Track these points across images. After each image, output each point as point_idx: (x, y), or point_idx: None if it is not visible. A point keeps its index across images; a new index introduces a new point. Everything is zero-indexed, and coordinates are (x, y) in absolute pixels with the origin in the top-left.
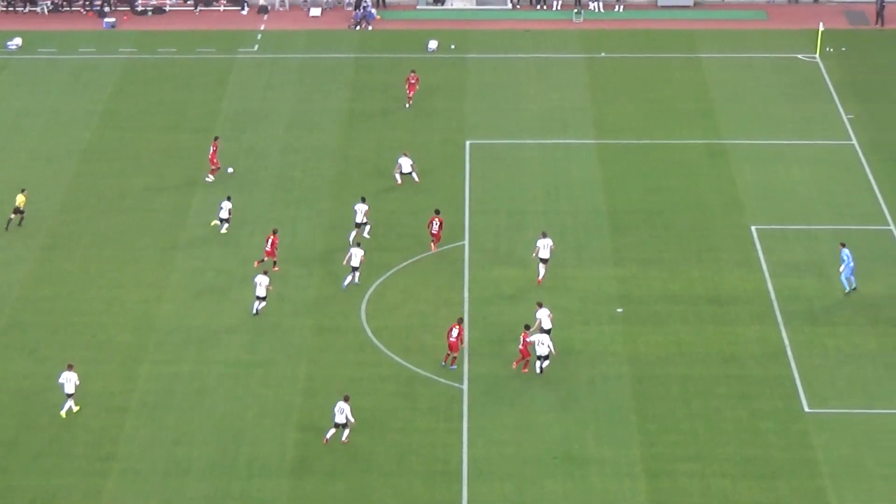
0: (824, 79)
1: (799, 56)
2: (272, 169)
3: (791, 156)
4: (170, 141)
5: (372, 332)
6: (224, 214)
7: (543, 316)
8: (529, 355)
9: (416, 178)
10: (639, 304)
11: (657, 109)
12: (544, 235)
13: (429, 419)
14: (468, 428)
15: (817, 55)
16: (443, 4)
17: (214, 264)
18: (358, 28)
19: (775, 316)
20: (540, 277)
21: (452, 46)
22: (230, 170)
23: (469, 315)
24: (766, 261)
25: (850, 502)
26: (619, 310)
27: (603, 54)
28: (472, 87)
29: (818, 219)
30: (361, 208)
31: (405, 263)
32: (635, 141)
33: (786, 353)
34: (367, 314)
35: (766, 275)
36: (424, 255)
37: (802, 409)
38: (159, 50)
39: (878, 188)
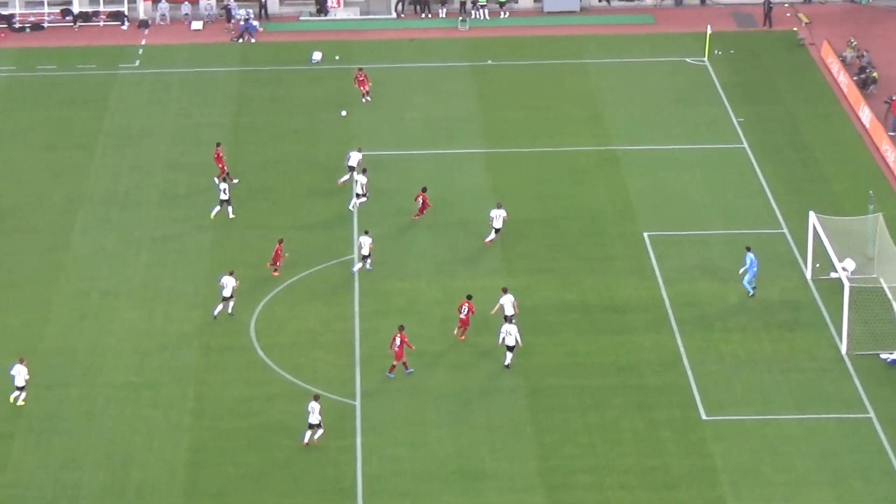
0: (713, 82)
1: (687, 59)
2: (157, 186)
3: (682, 161)
4: (51, 159)
5: (262, 349)
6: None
7: (507, 302)
8: (468, 324)
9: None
10: (532, 314)
11: (546, 117)
12: (499, 206)
13: (322, 437)
14: (362, 445)
15: (706, 58)
16: (326, 15)
17: (100, 285)
18: (240, 41)
19: (670, 323)
20: (488, 239)
21: (337, 57)
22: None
23: (360, 330)
24: (659, 267)
25: None
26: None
27: (490, 62)
28: (358, 98)
29: (710, 224)
30: (361, 179)
31: (294, 279)
32: (525, 149)
33: (681, 360)
34: (256, 332)
35: (660, 282)
36: (313, 270)
37: (700, 417)
38: (38, 67)
39: (770, 191)
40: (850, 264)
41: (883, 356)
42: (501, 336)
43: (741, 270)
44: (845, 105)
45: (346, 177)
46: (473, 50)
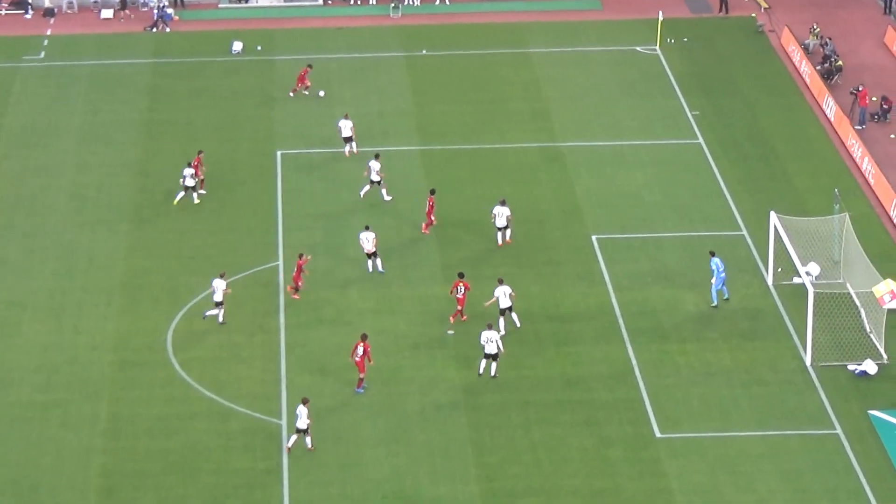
0: (666, 72)
1: (638, 48)
2: (64, 188)
3: (633, 158)
4: None
5: (179, 364)
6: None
7: (502, 294)
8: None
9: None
10: (472, 324)
11: (486, 111)
12: (502, 203)
13: (245, 458)
14: (288, 467)
15: (658, 47)
16: (247, 2)
17: (3, 296)
18: (154, 30)
19: (621, 333)
20: (500, 242)
21: (259, 48)
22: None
23: (286, 343)
24: (609, 273)
25: None
26: (450, 332)
27: (424, 52)
28: (282, 92)
29: (664, 226)
30: (374, 166)
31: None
32: (463, 146)
33: (633, 373)
34: (173, 345)
35: (610, 288)
36: (235, 277)
37: (653, 434)
38: None
39: (728, 190)
40: (814, 268)
41: (850, 367)
42: (482, 343)
43: (713, 281)
44: (808, 96)
45: (370, 181)
46: (407, 39)
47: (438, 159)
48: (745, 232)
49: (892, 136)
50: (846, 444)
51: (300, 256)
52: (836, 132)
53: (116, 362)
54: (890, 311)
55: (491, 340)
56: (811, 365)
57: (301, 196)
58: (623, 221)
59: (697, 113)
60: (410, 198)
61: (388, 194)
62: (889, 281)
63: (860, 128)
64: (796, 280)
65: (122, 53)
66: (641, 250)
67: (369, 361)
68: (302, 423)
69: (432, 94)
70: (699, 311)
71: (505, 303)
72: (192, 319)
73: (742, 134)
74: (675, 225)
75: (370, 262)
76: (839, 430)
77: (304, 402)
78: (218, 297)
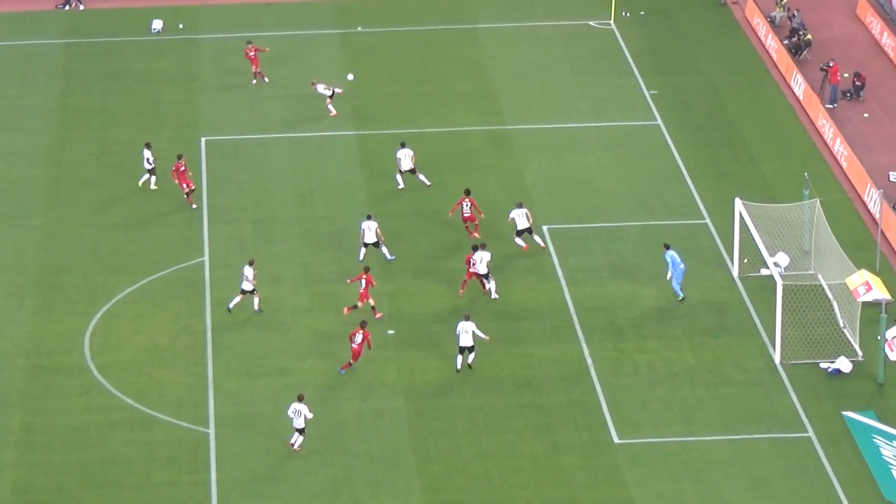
0: (621, 49)
1: (591, 23)
2: None
3: (586, 141)
4: None
5: (98, 370)
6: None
7: (480, 259)
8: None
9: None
10: (413, 323)
11: (428, 92)
12: (520, 206)
13: (170, 471)
14: (217, 479)
15: (612, 21)
16: None
17: None
18: (67, 8)
19: (575, 331)
20: (525, 245)
21: (181, 26)
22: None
23: (212, 345)
24: (561, 266)
25: None
26: (390, 332)
27: (360, 29)
28: (207, 74)
29: (621, 214)
30: (405, 153)
31: (134, 286)
32: (403, 130)
33: (589, 374)
34: (91, 350)
35: (563, 283)
36: (157, 275)
37: (611, 439)
38: None
39: (689, 175)
40: (783, 259)
41: (822, 365)
42: (457, 334)
43: (668, 276)
44: (775, 73)
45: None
46: (341, 15)
47: (376, 145)
48: (708, 220)
49: (866, 114)
50: (819, 447)
51: (366, 271)
52: (806, 111)
53: (29, 368)
54: (865, 304)
55: (466, 331)
56: (780, 363)
57: (227, 186)
58: (576, 210)
59: (655, 92)
60: (344, 187)
61: (427, 179)
62: (863, 272)
63: (831, 106)
64: (764, 272)
65: (31, 33)
66: (596, 241)
67: (369, 348)
68: (299, 422)
69: (368, 74)
70: (659, 306)
71: (482, 269)
72: (111, 320)
73: (704, 114)
74: (632, 213)
75: (363, 251)
76: (811, 433)
77: (300, 398)
78: (247, 286)
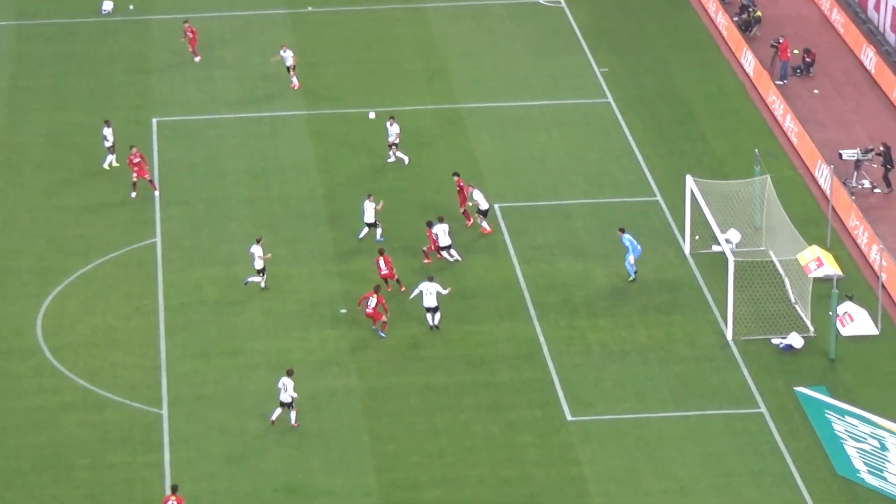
0: (571, 27)
1: (541, 1)
2: None
3: (537, 120)
4: None
5: (50, 352)
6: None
7: (441, 231)
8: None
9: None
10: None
11: (378, 72)
12: (474, 187)
13: (123, 452)
14: (171, 461)
15: None
16: None
17: None
18: None
19: (527, 309)
20: (484, 227)
21: (131, 7)
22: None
23: (165, 326)
24: (513, 245)
25: None
26: (343, 311)
27: (310, 8)
28: (158, 55)
29: (572, 193)
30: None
31: (86, 268)
32: (354, 110)
33: (542, 352)
34: (43, 331)
35: (515, 261)
36: (110, 256)
37: (564, 417)
38: None
39: (641, 153)
40: (734, 235)
41: (774, 341)
42: (417, 291)
43: (632, 260)
44: (725, 50)
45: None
46: None
47: (327, 125)
48: (659, 198)
49: (816, 91)
50: (771, 423)
51: (381, 252)
52: (756, 88)
53: None
54: (816, 279)
55: (430, 293)
56: (732, 339)
57: (179, 167)
58: (528, 188)
59: (606, 70)
60: (296, 169)
61: (404, 155)
62: (815, 247)
63: (781, 83)
64: (715, 248)
65: None
66: (548, 219)
67: (385, 312)
68: (286, 396)
69: (319, 54)
70: (611, 284)
71: (444, 240)
72: (64, 302)
73: (654, 92)
74: (584, 191)
75: (364, 231)
76: (763, 409)
77: (289, 373)
78: (258, 265)
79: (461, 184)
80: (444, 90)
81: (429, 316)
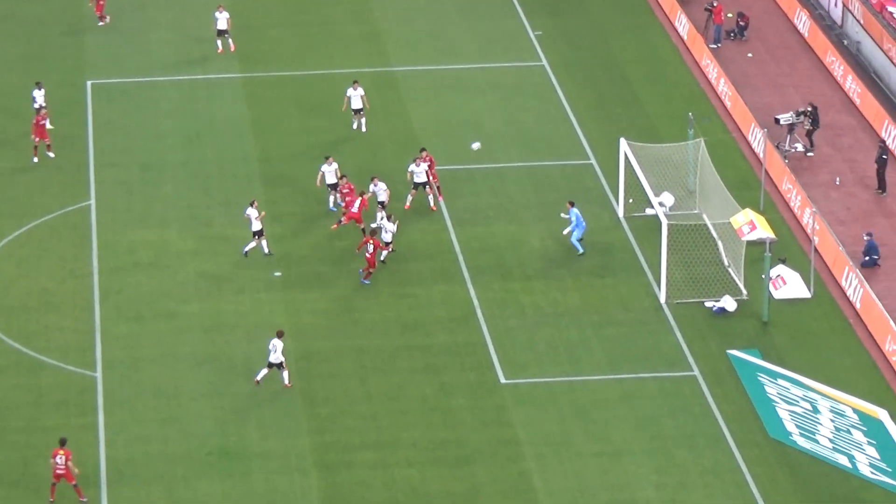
0: None
1: None
2: None
3: (472, 83)
4: None
5: None
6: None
7: (380, 190)
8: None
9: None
10: (300, 265)
11: (313, 35)
12: (418, 162)
13: (58, 415)
14: (105, 424)
15: None
16: None
17: None
18: None
19: (461, 272)
20: (407, 204)
21: None
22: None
23: (100, 289)
24: (448, 207)
25: (558, 486)
26: (277, 273)
27: None
28: (92, 18)
29: (507, 155)
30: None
31: (20, 231)
32: (289, 73)
33: (475, 315)
34: None
35: (449, 224)
36: (43, 219)
37: (498, 380)
38: None
39: (575, 116)
40: (668, 199)
41: (707, 304)
42: (379, 226)
43: (566, 231)
44: (659, 14)
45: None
46: None
47: (261, 87)
48: (593, 161)
49: (750, 54)
50: (704, 386)
51: (362, 194)
52: (690, 52)
53: None
54: (749, 243)
55: (388, 231)
56: (666, 303)
57: (114, 130)
58: (462, 151)
59: (540, 33)
60: (231, 131)
61: (364, 126)
62: (748, 211)
63: (715, 46)
64: (649, 211)
65: None
66: (483, 182)
67: (382, 262)
68: (275, 357)
69: (254, 16)
70: (545, 247)
71: (382, 196)
72: None
73: (589, 55)
74: (518, 154)
75: (332, 198)
76: (697, 372)
77: (279, 335)
78: (255, 227)
79: (430, 158)
80: (378, 53)
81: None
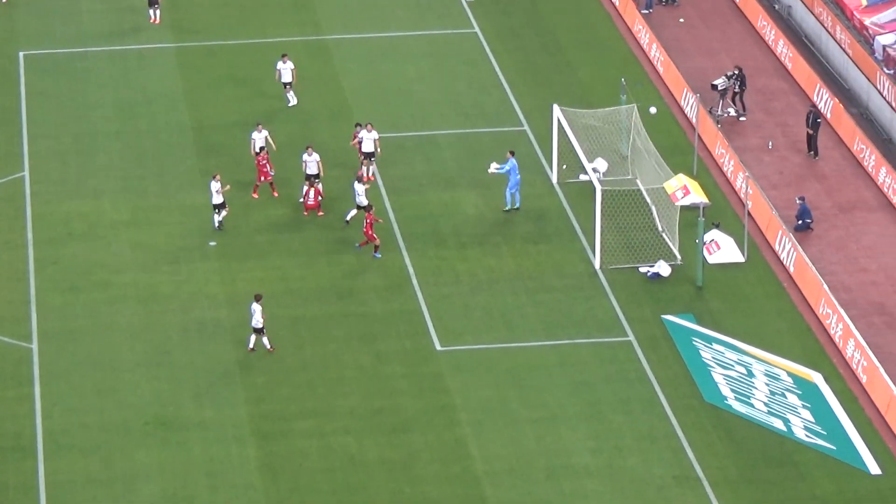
0: None
1: None
2: None
3: (404, 50)
4: None
5: None
6: None
7: (312, 161)
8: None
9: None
10: (235, 235)
11: (244, 3)
12: (369, 129)
13: None
14: (41, 395)
15: None
16: None
17: None
18: None
19: (396, 240)
20: (369, 175)
21: None
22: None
23: (34, 260)
24: (381, 175)
25: (495, 452)
26: (212, 243)
27: None
28: None
29: (440, 123)
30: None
31: None
32: (221, 42)
33: (411, 282)
34: None
35: (383, 191)
36: None
37: (434, 347)
38: None
39: (507, 83)
40: (601, 164)
41: (642, 270)
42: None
43: (492, 169)
44: None
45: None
46: None
47: (194, 57)
48: (526, 127)
49: (681, 19)
50: (639, 351)
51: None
52: (622, 18)
53: None
54: (683, 208)
55: (359, 193)
56: (600, 268)
57: (47, 101)
58: (395, 119)
59: (472, 0)
60: (165, 101)
61: (293, 98)
62: (681, 176)
63: (647, 12)
64: (583, 177)
65: None
66: (416, 150)
67: (378, 221)
68: (256, 321)
69: None
70: (480, 213)
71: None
72: None
73: (521, 22)
74: (451, 122)
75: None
76: (632, 337)
77: (257, 298)
78: (217, 199)
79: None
80: (310, 21)
81: (353, 212)
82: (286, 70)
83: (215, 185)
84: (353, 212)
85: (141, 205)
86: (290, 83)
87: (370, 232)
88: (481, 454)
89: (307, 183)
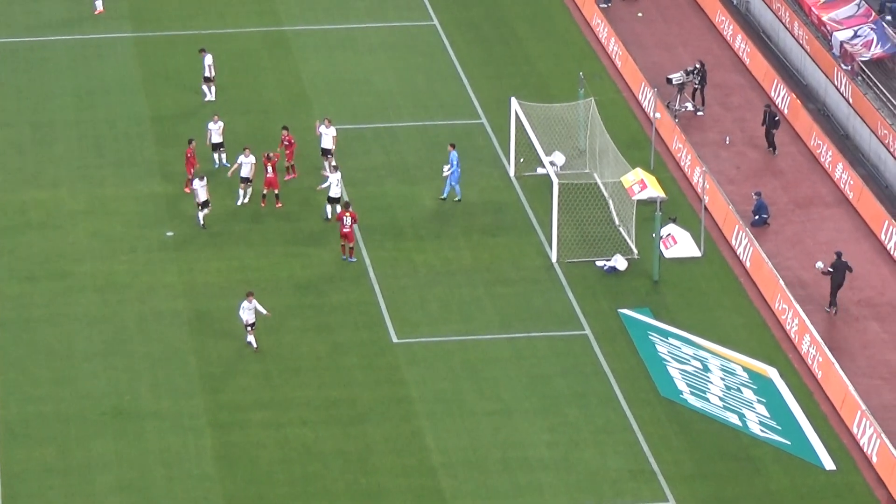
0: None
1: None
2: None
3: (363, 42)
4: None
5: None
6: None
7: (328, 134)
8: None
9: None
10: (193, 225)
11: None
12: (327, 125)
13: None
14: None
15: None
16: None
17: None
18: None
19: (354, 231)
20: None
21: None
22: None
23: None
24: (339, 166)
25: (451, 444)
26: (169, 234)
27: None
28: None
29: (398, 115)
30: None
31: None
32: (179, 32)
33: (367, 274)
34: None
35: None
36: None
37: (390, 339)
38: None
39: (466, 76)
40: (559, 158)
41: (599, 263)
42: (327, 184)
43: (445, 172)
44: None
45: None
46: None
47: (152, 47)
48: (484, 120)
49: (640, 14)
50: (595, 345)
51: (189, 143)
52: (581, 11)
53: None
54: (640, 202)
55: (336, 184)
56: (557, 262)
57: (4, 90)
58: (354, 110)
59: None
60: (123, 91)
61: (211, 93)
62: (638, 170)
63: (605, 6)
64: (540, 171)
65: None
66: (374, 141)
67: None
68: (248, 317)
69: None
70: (437, 206)
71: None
72: None
73: (480, 14)
74: (409, 114)
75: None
76: (588, 331)
77: (249, 296)
78: (201, 198)
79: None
80: (269, 11)
81: (329, 207)
82: (206, 66)
83: (200, 183)
84: (329, 208)
85: (98, 194)
86: (211, 78)
87: (347, 231)
88: (437, 446)
89: (242, 186)
